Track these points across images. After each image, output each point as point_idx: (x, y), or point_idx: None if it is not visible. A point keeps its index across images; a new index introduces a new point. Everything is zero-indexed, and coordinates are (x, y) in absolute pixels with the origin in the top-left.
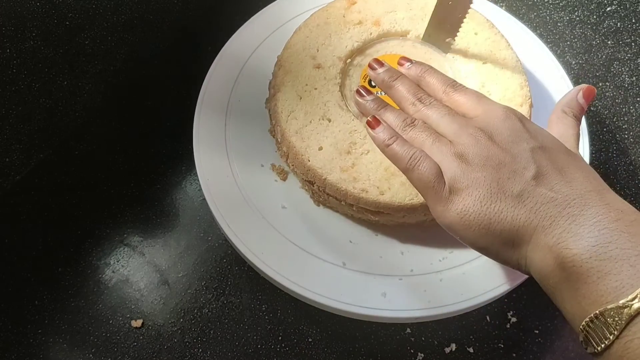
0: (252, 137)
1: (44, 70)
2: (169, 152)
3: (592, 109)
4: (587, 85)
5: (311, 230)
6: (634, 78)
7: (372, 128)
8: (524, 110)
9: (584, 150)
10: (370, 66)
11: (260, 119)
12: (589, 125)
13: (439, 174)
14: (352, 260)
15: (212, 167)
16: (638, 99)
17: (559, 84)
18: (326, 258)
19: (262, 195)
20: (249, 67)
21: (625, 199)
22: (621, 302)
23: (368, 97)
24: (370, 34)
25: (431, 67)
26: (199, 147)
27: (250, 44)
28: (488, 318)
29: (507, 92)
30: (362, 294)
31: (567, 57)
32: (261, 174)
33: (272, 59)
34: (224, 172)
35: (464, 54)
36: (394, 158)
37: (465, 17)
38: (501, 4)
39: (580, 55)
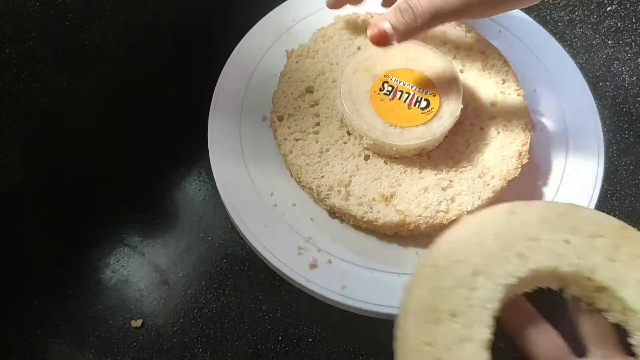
0: (267, 139)
1: (44, 70)
2: (169, 153)
3: None
4: None
5: (331, 233)
6: (634, 78)
7: None
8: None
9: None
10: None
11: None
12: None
13: None
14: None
15: (229, 171)
16: (638, 99)
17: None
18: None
19: (279, 197)
20: (260, 70)
21: (625, 199)
22: None
23: None
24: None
25: None
26: (214, 152)
27: (261, 45)
28: None
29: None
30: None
31: None
32: (278, 176)
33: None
34: (240, 176)
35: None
36: None
37: None
38: None
39: (580, 55)
